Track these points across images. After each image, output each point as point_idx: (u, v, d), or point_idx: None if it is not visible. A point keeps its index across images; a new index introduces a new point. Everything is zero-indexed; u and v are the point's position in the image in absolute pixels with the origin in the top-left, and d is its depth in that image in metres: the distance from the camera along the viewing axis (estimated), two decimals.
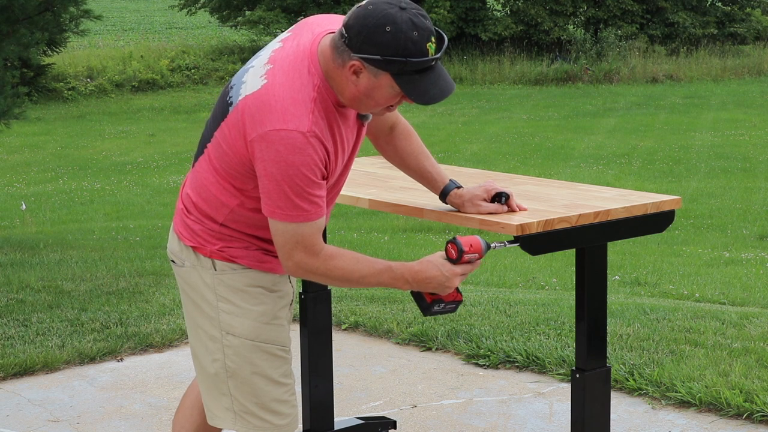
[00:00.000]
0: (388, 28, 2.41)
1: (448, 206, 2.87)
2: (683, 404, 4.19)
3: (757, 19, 29.42)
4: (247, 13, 27.20)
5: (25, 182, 14.07)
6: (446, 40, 2.49)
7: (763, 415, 3.99)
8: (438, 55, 2.46)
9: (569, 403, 2.95)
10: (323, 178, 2.53)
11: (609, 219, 2.79)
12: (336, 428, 3.76)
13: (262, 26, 26.48)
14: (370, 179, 3.33)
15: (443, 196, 2.88)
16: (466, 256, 2.60)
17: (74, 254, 7.57)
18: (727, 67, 26.27)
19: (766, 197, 12.41)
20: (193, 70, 25.01)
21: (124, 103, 22.58)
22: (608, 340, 4.56)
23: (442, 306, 2.69)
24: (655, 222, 2.90)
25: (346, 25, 2.46)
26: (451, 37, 26.73)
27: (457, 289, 2.69)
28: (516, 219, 2.69)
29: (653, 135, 17.58)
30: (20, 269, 6.74)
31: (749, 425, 3.97)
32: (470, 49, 26.83)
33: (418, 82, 2.46)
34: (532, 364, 4.68)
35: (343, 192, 3.09)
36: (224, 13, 27.99)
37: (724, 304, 6.27)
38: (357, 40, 2.43)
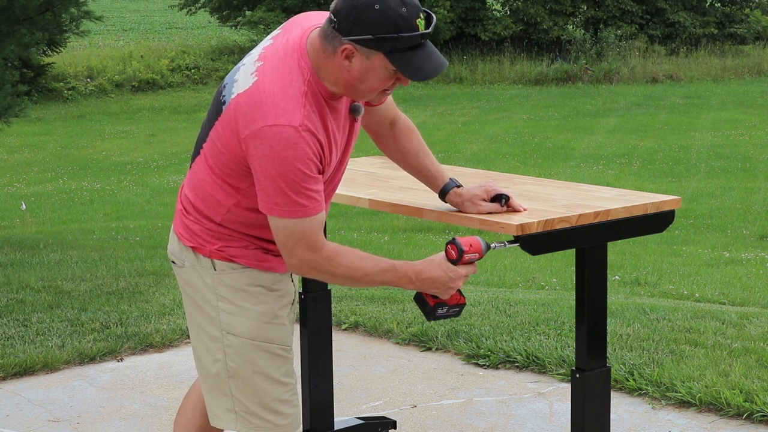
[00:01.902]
0: (376, 6, 2.40)
1: (448, 205, 2.87)
2: (683, 404, 4.19)
3: (757, 20, 29.42)
4: (248, 13, 27.19)
5: (25, 182, 14.07)
6: (434, 18, 2.49)
7: (763, 415, 3.99)
8: (429, 30, 2.46)
9: (569, 403, 2.95)
10: (319, 173, 2.52)
11: (609, 219, 2.79)
12: (336, 428, 3.76)
13: (262, 26, 26.47)
14: (370, 179, 3.33)
15: (443, 194, 2.87)
16: (467, 256, 2.60)
17: (74, 254, 7.57)
18: (727, 67, 26.26)
19: (766, 197, 12.41)
20: (193, 70, 25.01)
21: (124, 103, 22.58)
22: (608, 340, 4.56)
23: (445, 310, 2.68)
24: (655, 222, 2.89)
25: (333, 11, 2.46)
26: (451, 37, 26.73)
27: (460, 291, 2.68)
28: (516, 219, 2.69)
29: (653, 135, 17.58)
30: (20, 269, 6.74)
31: (749, 425, 3.98)
32: (470, 49, 26.84)
33: (411, 59, 2.46)
34: (532, 364, 4.68)
35: (343, 192, 3.09)
36: (224, 13, 27.99)
37: (724, 304, 6.27)
38: (346, 22, 2.43)
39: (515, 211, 2.76)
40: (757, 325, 5.11)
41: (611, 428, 3.19)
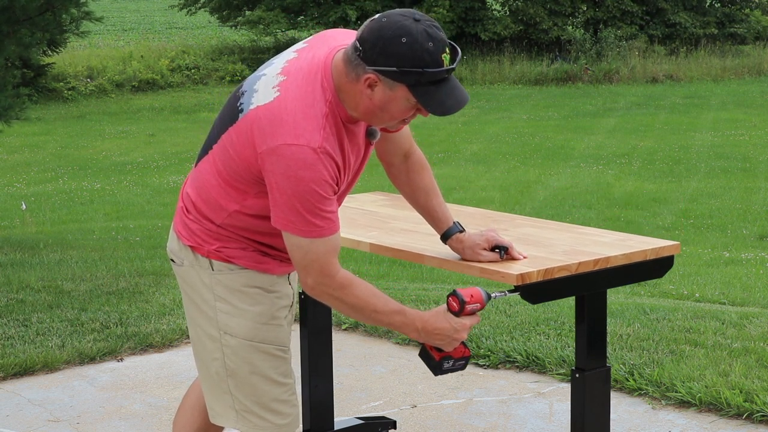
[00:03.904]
0: (404, 39, 2.40)
1: (448, 250, 2.87)
2: (683, 404, 4.20)
3: (757, 20, 29.41)
4: (247, 13, 27.18)
5: (25, 182, 14.06)
6: (459, 52, 2.48)
7: (763, 415, 3.99)
8: (453, 66, 2.45)
9: (569, 403, 2.95)
10: (334, 194, 2.52)
11: (609, 266, 2.79)
12: (336, 428, 3.76)
13: (262, 26, 26.45)
14: (371, 219, 3.32)
15: (444, 237, 2.88)
16: (468, 307, 2.61)
17: (74, 254, 7.57)
18: (727, 67, 26.24)
19: (766, 197, 12.41)
20: (193, 70, 25.00)
21: (124, 103, 22.57)
22: (608, 340, 4.56)
23: (451, 363, 2.69)
24: (655, 268, 2.91)
25: (360, 39, 2.45)
26: (451, 37, 26.70)
27: (464, 344, 2.69)
28: (516, 268, 2.70)
29: (653, 135, 17.57)
30: (20, 269, 6.74)
31: (749, 425, 3.98)
32: (470, 49, 26.82)
33: (434, 93, 2.45)
34: (532, 364, 4.68)
35: (344, 234, 3.09)
36: (224, 13, 27.97)
37: (724, 304, 6.27)
38: (372, 52, 2.42)
39: (515, 259, 2.77)
40: (757, 325, 5.11)
41: (611, 428, 3.19)
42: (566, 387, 4.39)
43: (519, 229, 3.10)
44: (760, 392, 4.10)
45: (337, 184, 2.52)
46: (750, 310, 5.69)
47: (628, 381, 4.38)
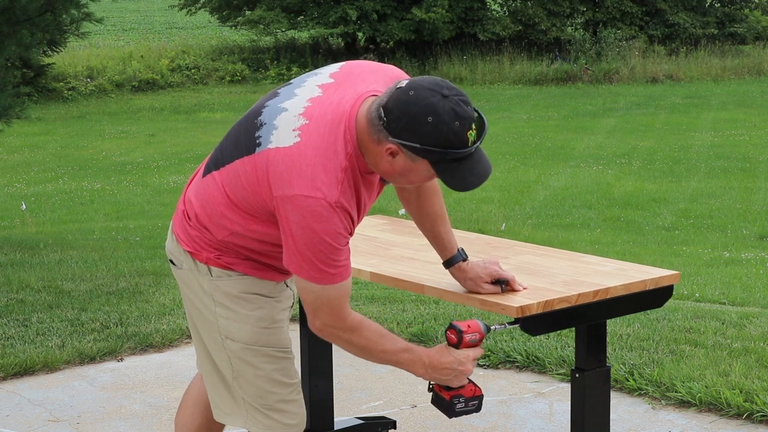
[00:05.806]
0: (429, 119, 2.35)
1: (449, 279, 2.87)
2: (683, 404, 4.20)
3: (757, 19, 29.41)
4: (247, 13, 27.17)
5: (25, 182, 14.05)
6: (486, 124, 2.43)
7: (763, 415, 3.99)
8: (478, 143, 2.41)
9: (569, 403, 2.96)
10: (347, 243, 2.50)
11: (608, 297, 2.80)
12: (336, 428, 3.77)
13: (262, 26, 26.44)
14: (372, 246, 3.32)
15: (447, 264, 2.87)
16: (467, 337, 2.61)
17: (74, 254, 7.57)
18: (727, 67, 26.24)
19: (766, 197, 12.40)
20: (193, 70, 25.00)
21: (124, 103, 22.57)
22: (608, 340, 4.56)
23: (463, 403, 2.69)
24: (654, 298, 2.92)
25: (385, 108, 2.39)
26: (450, 37, 26.71)
27: (474, 384, 2.69)
28: (516, 300, 2.70)
29: (653, 135, 17.57)
30: (20, 269, 6.74)
31: (749, 425, 3.98)
32: (470, 49, 26.82)
33: (455, 170, 2.42)
34: (532, 364, 4.68)
35: None
36: (224, 13, 27.96)
37: (724, 304, 6.27)
38: (396, 125, 2.38)
39: (515, 291, 2.77)
40: (757, 325, 5.11)
41: (611, 428, 3.19)
42: (566, 387, 4.39)
43: (520, 257, 3.10)
44: (760, 392, 4.11)
45: (350, 234, 2.50)
46: (750, 310, 5.69)
47: (628, 381, 4.38)
